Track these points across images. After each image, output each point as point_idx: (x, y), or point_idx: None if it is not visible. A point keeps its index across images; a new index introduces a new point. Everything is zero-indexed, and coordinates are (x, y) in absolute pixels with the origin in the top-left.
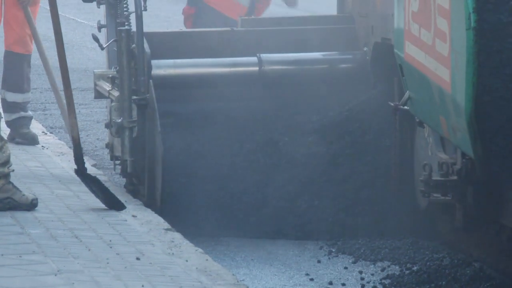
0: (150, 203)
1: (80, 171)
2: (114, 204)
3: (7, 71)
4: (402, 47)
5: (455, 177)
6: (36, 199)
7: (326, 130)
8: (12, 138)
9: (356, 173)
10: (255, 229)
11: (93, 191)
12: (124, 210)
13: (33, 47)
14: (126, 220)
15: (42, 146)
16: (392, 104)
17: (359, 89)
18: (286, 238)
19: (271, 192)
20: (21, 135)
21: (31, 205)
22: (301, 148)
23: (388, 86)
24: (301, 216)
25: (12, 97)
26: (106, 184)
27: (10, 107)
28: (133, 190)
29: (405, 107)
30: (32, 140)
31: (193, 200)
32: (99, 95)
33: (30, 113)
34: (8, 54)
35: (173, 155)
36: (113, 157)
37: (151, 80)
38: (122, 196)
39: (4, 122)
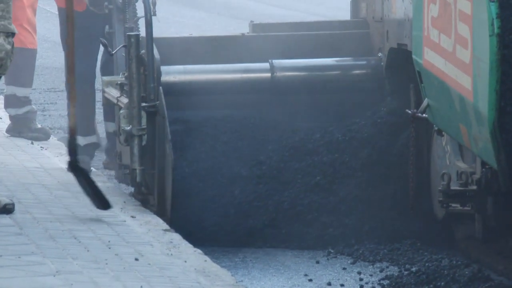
0: (160, 213)
1: (72, 163)
2: (101, 202)
3: (20, 68)
4: (421, 53)
5: (474, 187)
6: (12, 204)
7: (328, 148)
8: (18, 133)
9: (360, 185)
10: (266, 239)
11: (82, 187)
12: (123, 211)
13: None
14: (125, 221)
15: (41, 147)
16: (409, 112)
17: (373, 95)
18: (293, 248)
19: (280, 200)
20: (35, 130)
21: (4, 210)
22: (305, 158)
23: (390, 103)
24: (308, 226)
25: (23, 91)
26: (106, 184)
27: (20, 101)
28: (142, 200)
29: (424, 115)
30: (46, 134)
31: (204, 209)
32: (107, 102)
33: (34, 106)
34: (21, 50)
35: (184, 164)
36: (122, 166)
37: (160, 87)
38: (120, 196)
39: (9, 117)
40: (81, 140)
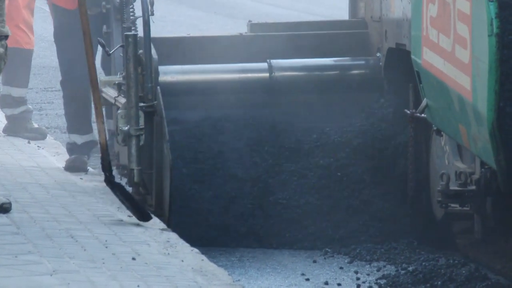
0: (158, 213)
1: (108, 179)
2: (140, 214)
3: (16, 68)
4: (420, 53)
5: (473, 187)
6: (9, 203)
7: (323, 150)
8: (14, 132)
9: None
10: (265, 239)
11: (121, 201)
12: (120, 210)
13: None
14: (122, 220)
15: (38, 146)
16: (408, 112)
17: (372, 96)
18: (293, 249)
19: (276, 202)
20: (31, 130)
21: (1, 209)
22: (301, 160)
23: (387, 104)
24: (305, 226)
25: (18, 92)
26: (103, 184)
27: (16, 102)
28: (140, 200)
29: (422, 115)
30: (42, 134)
31: (202, 209)
32: (105, 102)
33: (30, 106)
34: (17, 51)
35: (181, 164)
36: (119, 166)
37: (158, 87)
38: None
39: (5, 117)
40: (78, 139)
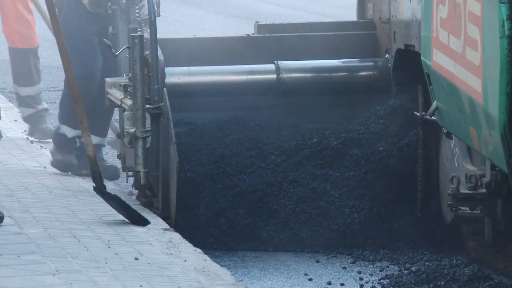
0: (164, 216)
1: (99, 189)
2: (137, 220)
3: (15, 67)
4: (430, 55)
5: (484, 190)
6: (1, 214)
7: (323, 153)
8: (31, 133)
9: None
10: (270, 242)
11: (114, 208)
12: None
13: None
14: (124, 220)
15: (41, 146)
16: (418, 114)
17: (380, 98)
18: (297, 251)
19: (284, 203)
20: (40, 130)
21: None
22: (300, 166)
23: (386, 109)
24: (306, 230)
25: (25, 91)
26: (104, 184)
27: (24, 101)
28: (146, 202)
29: (432, 118)
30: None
31: (208, 212)
32: (111, 103)
33: (45, 105)
34: (13, 50)
35: (186, 167)
36: (125, 168)
37: (165, 88)
38: (119, 195)
39: (22, 118)
40: (69, 132)
